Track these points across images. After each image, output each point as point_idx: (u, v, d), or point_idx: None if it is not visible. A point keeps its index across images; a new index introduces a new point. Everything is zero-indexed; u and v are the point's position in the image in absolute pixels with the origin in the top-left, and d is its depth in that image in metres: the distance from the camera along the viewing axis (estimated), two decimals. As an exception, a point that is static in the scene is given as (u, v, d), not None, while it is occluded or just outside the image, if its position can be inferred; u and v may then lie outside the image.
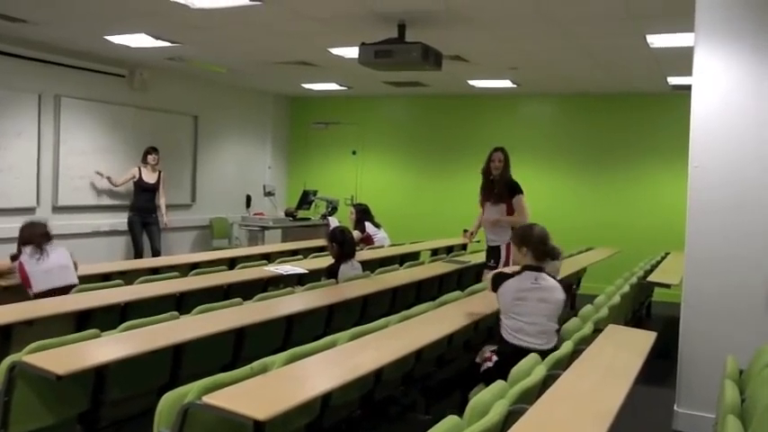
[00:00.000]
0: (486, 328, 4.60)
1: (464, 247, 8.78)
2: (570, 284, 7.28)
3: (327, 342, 3.40)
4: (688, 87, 4.47)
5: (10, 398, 2.90)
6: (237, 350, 3.96)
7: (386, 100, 11.47)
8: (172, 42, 7.39)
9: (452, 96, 10.87)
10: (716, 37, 4.30)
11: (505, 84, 9.35)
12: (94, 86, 8.51)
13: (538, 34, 6.40)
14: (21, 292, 4.66)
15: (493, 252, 5.99)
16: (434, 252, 8.32)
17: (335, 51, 7.49)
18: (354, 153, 11.63)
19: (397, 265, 6.51)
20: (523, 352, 3.49)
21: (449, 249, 8.66)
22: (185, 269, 5.87)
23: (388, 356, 3.27)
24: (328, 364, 3.13)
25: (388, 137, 11.53)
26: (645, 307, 7.71)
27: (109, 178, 8.63)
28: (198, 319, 3.89)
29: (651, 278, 6.17)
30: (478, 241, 6.56)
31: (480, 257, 6.68)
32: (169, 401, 2.62)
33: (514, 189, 5.85)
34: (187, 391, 2.61)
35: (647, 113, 9.69)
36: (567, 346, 3.41)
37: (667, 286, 5.92)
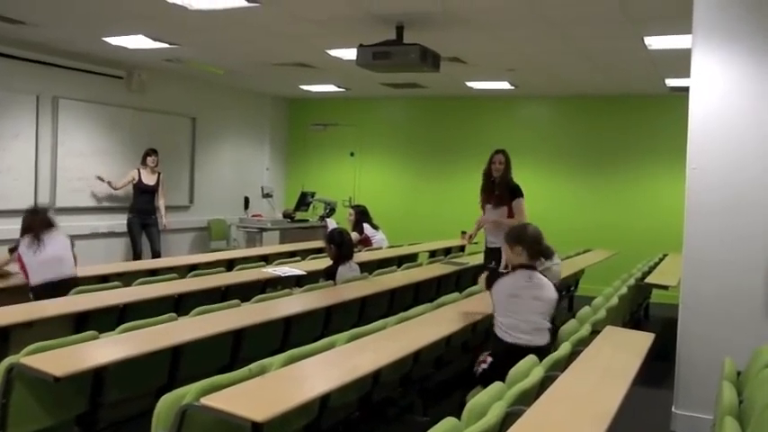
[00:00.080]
0: (485, 330, 4.59)
1: (462, 248, 8.79)
2: (568, 286, 7.31)
3: (325, 344, 3.40)
4: (686, 89, 4.48)
5: (8, 400, 2.90)
6: (236, 352, 3.96)
7: (384, 101, 11.48)
8: (170, 44, 7.39)
9: (450, 98, 10.88)
10: (714, 39, 4.31)
11: (503, 85, 9.36)
12: (92, 88, 8.51)
13: (535, 36, 6.41)
14: (19, 293, 4.66)
15: (492, 254, 5.98)
16: (432, 254, 8.32)
17: (333, 53, 7.49)
18: (352, 155, 11.63)
19: (395, 267, 6.51)
20: (518, 349, 3.55)
21: (447, 251, 8.67)
22: (183, 271, 5.87)
23: (386, 358, 3.27)
24: (326, 366, 3.13)
25: (387, 138, 11.53)
26: (643, 308, 7.72)
27: (109, 183, 8.61)
28: (196, 321, 3.89)
29: (649, 280, 6.17)
30: (476, 243, 6.57)
31: (478, 259, 6.69)
32: (167, 403, 2.62)
33: (515, 192, 5.86)
34: (185, 393, 2.61)
35: (645, 115, 9.71)
36: (564, 348, 3.41)
37: (665, 288, 5.92)
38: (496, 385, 2.73)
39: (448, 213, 10.36)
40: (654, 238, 9.18)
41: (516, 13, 5.59)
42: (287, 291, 5.10)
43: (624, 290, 5.32)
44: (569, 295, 7.67)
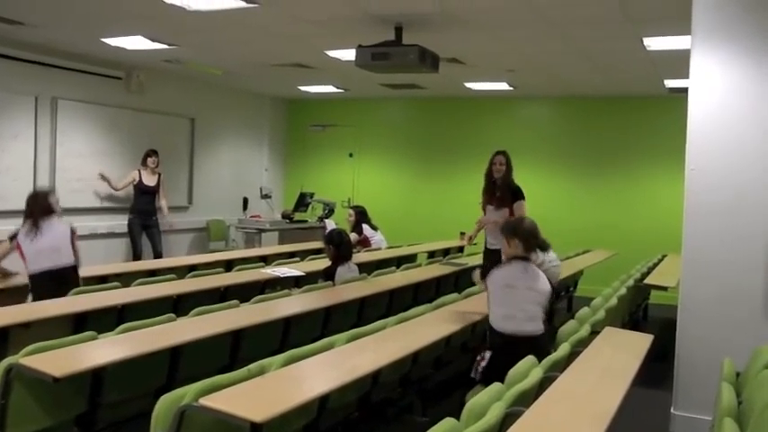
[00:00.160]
0: (484, 330, 4.59)
1: (461, 249, 8.80)
2: (567, 287, 7.31)
3: (325, 344, 3.41)
4: (685, 90, 4.49)
5: (7, 400, 2.90)
6: (234, 352, 3.96)
7: (383, 102, 11.48)
8: (169, 45, 7.38)
9: (449, 99, 10.88)
10: (713, 40, 4.31)
11: (502, 86, 9.37)
12: (91, 89, 8.50)
13: (534, 37, 6.41)
14: (18, 293, 4.66)
15: (492, 255, 5.97)
16: (431, 254, 8.32)
17: (332, 54, 7.49)
18: (351, 155, 11.63)
19: (394, 268, 6.51)
20: (514, 339, 3.64)
21: (446, 252, 8.67)
22: (182, 271, 5.86)
23: (385, 358, 3.27)
24: (325, 366, 3.13)
25: (385, 139, 11.54)
26: (642, 309, 7.72)
27: (109, 182, 8.63)
28: (195, 322, 3.89)
29: (648, 281, 6.17)
30: (476, 244, 6.56)
31: (477, 260, 6.68)
32: (166, 403, 2.62)
33: (517, 194, 5.85)
34: (184, 394, 2.61)
35: (644, 116, 9.71)
36: (564, 348, 3.41)
37: (664, 289, 5.92)
38: (496, 386, 2.73)
39: (447, 214, 10.37)
40: (653, 238, 9.19)
41: (515, 13, 5.59)
42: (286, 291, 5.11)
43: (623, 291, 5.32)
44: (568, 296, 7.68)
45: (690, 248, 4.41)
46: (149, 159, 8.71)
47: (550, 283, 3.95)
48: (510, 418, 2.44)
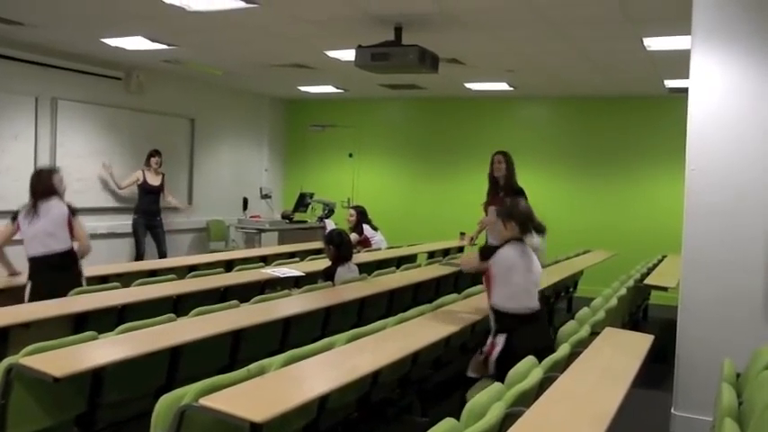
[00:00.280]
0: (483, 331, 4.59)
1: (461, 249, 8.79)
2: (566, 287, 7.31)
3: (324, 344, 3.40)
4: (685, 90, 4.49)
5: (7, 400, 2.90)
6: (234, 352, 3.96)
7: (382, 103, 11.48)
8: (168, 45, 7.38)
9: (449, 99, 10.88)
10: (713, 40, 4.30)
11: (502, 87, 9.37)
12: (91, 89, 8.50)
13: (534, 37, 6.41)
14: (18, 293, 4.66)
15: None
16: (431, 255, 8.31)
17: (332, 54, 7.49)
18: (351, 156, 11.63)
19: (393, 268, 6.51)
20: (523, 316, 3.78)
21: (446, 252, 8.66)
22: (182, 271, 5.86)
23: (385, 359, 3.27)
24: (325, 367, 3.13)
25: (385, 139, 11.54)
26: (642, 310, 7.72)
27: (111, 174, 8.68)
28: (195, 322, 3.89)
29: (648, 281, 6.17)
30: (476, 244, 6.57)
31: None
32: (166, 404, 2.62)
33: (518, 195, 5.86)
34: (184, 394, 2.61)
35: (644, 116, 9.71)
36: (564, 349, 3.41)
37: (664, 289, 5.92)
38: (496, 386, 2.73)
39: (447, 214, 10.37)
40: (653, 239, 9.19)
41: (515, 13, 5.59)
42: (286, 291, 5.10)
43: (623, 291, 5.32)
44: (568, 296, 7.68)
45: (690, 249, 4.41)
46: (152, 159, 8.78)
47: None
48: (510, 418, 2.44)
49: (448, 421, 2.32)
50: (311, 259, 6.74)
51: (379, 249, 8.25)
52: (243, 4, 5.47)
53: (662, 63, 7.16)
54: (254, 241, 9.47)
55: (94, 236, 8.52)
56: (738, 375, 3.31)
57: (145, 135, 9.22)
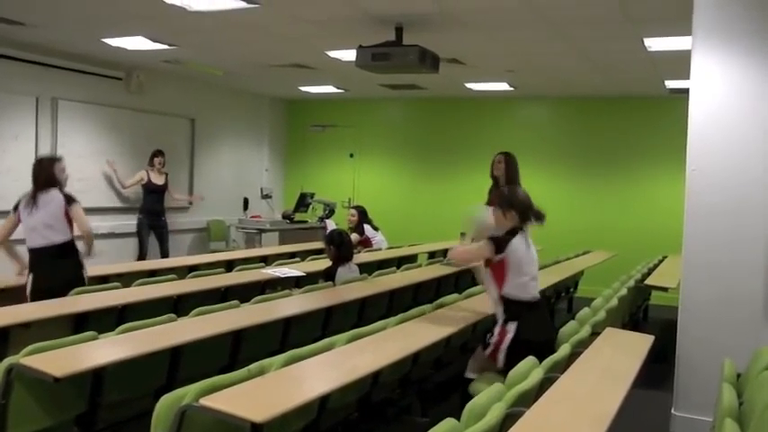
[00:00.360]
0: (484, 331, 4.59)
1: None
2: (567, 288, 7.30)
3: (325, 344, 3.40)
4: (685, 91, 4.48)
5: (7, 400, 2.90)
6: (235, 352, 3.96)
7: (383, 103, 11.48)
8: (169, 45, 7.38)
9: (449, 99, 10.88)
10: (713, 40, 4.30)
11: (502, 87, 9.37)
12: (91, 89, 8.50)
13: (535, 37, 6.41)
14: (19, 293, 4.66)
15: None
16: (432, 255, 8.31)
17: (332, 54, 7.49)
18: (352, 156, 11.63)
19: (394, 268, 6.51)
20: (531, 304, 3.81)
21: (446, 252, 8.63)
22: (183, 271, 5.87)
23: (385, 359, 3.27)
24: (326, 367, 3.13)
25: (386, 139, 11.54)
26: (642, 310, 7.72)
27: (115, 171, 8.71)
28: (195, 322, 3.89)
29: (648, 281, 6.16)
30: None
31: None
32: (166, 404, 2.62)
33: None
34: (184, 394, 2.61)
35: (645, 117, 9.71)
36: (564, 349, 3.41)
37: (665, 290, 5.92)
38: (496, 386, 2.73)
39: (447, 214, 10.34)
40: (653, 239, 9.19)
41: (515, 14, 5.59)
42: (286, 291, 5.10)
43: (624, 291, 5.32)
44: (569, 297, 7.68)
45: (690, 249, 4.40)
46: (156, 159, 8.85)
47: None
48: (510, 418, 2.43)
49: (448, 421, 2.31)
50: (312, 259, 6.74)
51: (380, 249, 8.25)
52: (243, 4, 5.47)
53: (662, 63, 7.16)
54: (255, 241, 9.47)
55: (96, 236, 8.53)
56: (739, 376, 3.31)
57: (145, 135, 9.23)
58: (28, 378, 2.91)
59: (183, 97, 9.94)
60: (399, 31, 6.01)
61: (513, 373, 2.98)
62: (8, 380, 2.89)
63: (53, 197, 4.79)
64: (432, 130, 11.20)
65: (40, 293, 4.54)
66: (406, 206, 11.10)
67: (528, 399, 2.68)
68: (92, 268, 5.39)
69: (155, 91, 9.32)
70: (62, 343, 3.18)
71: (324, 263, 5.85)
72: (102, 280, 5.24)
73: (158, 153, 8.91)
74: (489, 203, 6.03)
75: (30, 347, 3.03)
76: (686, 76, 4.42)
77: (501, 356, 3.71)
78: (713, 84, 4.31)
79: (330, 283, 5.33)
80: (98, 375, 3.15)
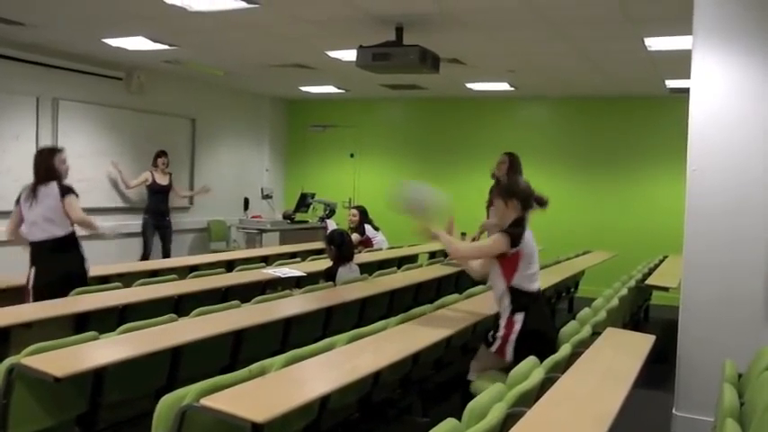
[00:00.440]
0: (484, 331, 4.59)
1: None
2: (567, 288, 7.30)
3: (325, 345, 3.40)
4: (686, 90, 4.48)
5: (8, 400, 2.90)
6: (235, 352, 3.96)
7: (383, 103, 11.48)
8: (169, 45, 7.39)
9: (450, 99, 10.88)
10: (714, 39, 4.29)
11: (503, 87, 9.36)
12: (92, 89, 8.51)
13: (535, 37, 6.41)
14: (19, 293, 4.66)
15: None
16: (432, 255, 8.31)
17: (333, 54, 7.49)
18: (352, 156, 11.63)
19: (395, 268, 6.51)
20: (533, 295, 3.80)
21: (446, 252, 8.64)
22: (183, 272, 5.87)
23: (386, 359, 3.27)
24: (326, 367, 3.13)
25: (386, 140, 11.54)
26: (643, 310, 7.71)
27: (120, 172, 8.75)
28: (196, 322, 3.89)
29: (649, 281, 6.16)
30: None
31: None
32: (167, 404, 2.62)
33: None
34: (185, 394, 2.61)
35: (645, 117, 9.71)
36: (565, 349, 3.41)
37: (665, 289, 5.91)
38: (497, 386, 2.73)
39: (448, 215, 10.35)
40: (654, 239, 9.19)
41: (516, 14, 5.59)
42: (287, 292, 5.10)
43: (624, 291, 5.31)
44: (569, 296, 7.68)
45: (691, 249, 4.40)
46: (159, 160, 8.91)
47: None
48: (511, 418, 2.43)
49: (449, 422, 2.31)
50: (312, 259, 6.74)
51: (381, 249, 8.25)
52: (244, 5, 5.47)
53: (663, 63, 7.16)
54: (256, 241, 9.48)
55: (96, 236, 8.54)
56: (740, 376, 3.30)
57: (146, 135, 9.24)
58: (29, 378, 2.91)
59: (183, 97, 9.94)
60: (400, 31, 6.01)
61: (513, 373, 2.98)
62: (9, 380, 2.89)
63: (52, 191, 4.78)
64: (432, 130, 11.19)
65: (42, 287, 4.55)
66: (407, 206, 11.07)
67: (529, 399, 2.68)
68: (92, 268, 5.40)
69: (155, 91, 9.32)
70: (63, 343, 3.18)
71: (324, 263, 5.85)
72: (103, 280, 5.24)
73: (162, 154, 8.97)
74: (490, 203, 6.05)
75: (31, 347, 3.03)
76: (687, 75, 4.41)
77: (509, 349, 3.68)
78: (714, 83, 4.31)
79: (331, 283, 5.33)
80: (99, 375, 3.15)
